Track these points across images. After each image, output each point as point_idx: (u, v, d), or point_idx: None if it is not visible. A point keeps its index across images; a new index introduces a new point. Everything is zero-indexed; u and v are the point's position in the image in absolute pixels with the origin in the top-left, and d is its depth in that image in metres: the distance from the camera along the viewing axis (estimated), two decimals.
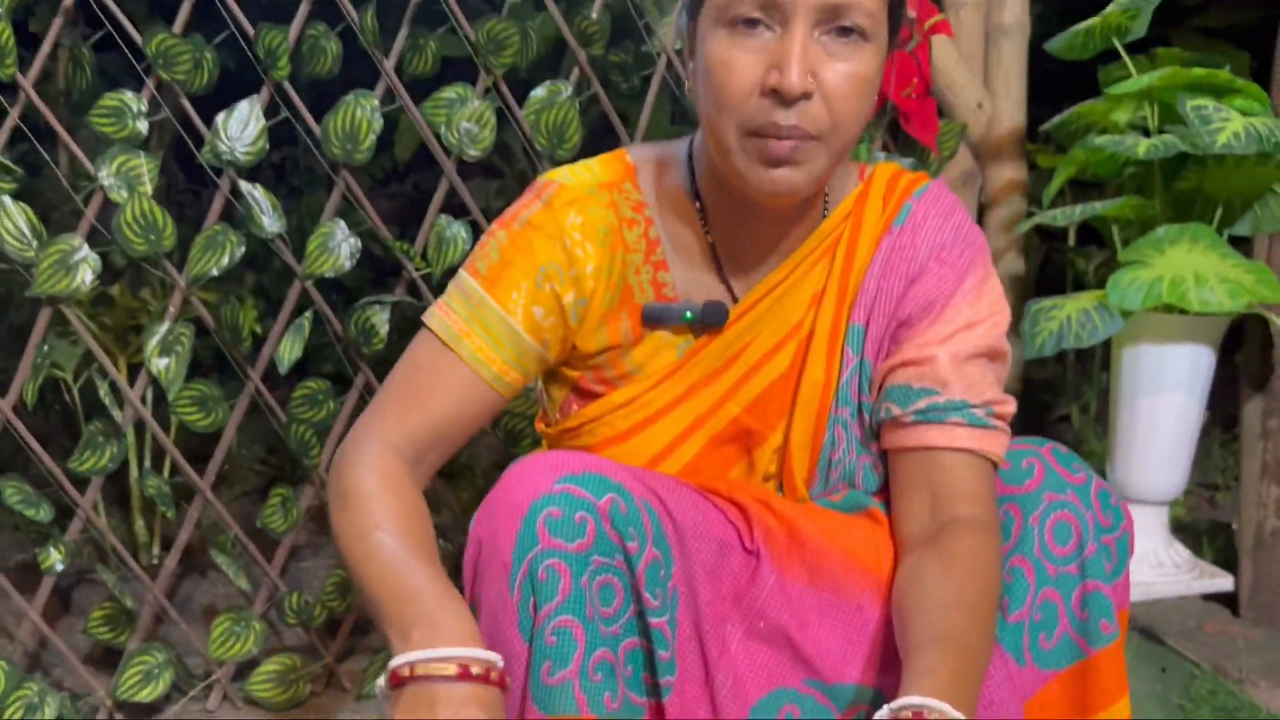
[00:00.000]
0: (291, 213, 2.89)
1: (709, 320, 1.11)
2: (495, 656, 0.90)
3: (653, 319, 1.11)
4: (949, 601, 0.98)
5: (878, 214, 1.12)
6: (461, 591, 0.97)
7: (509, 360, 1.06)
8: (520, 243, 1.07)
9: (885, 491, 1.14)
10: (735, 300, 1.12)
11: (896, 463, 1.11)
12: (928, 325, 1.09)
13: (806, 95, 0.96)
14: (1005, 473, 1.09)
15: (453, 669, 0.87)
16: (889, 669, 1.05)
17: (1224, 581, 1.80)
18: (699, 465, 1.14)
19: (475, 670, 0.88)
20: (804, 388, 1.13)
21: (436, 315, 1.08)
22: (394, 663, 0.89)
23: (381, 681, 0.90)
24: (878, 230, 1.12)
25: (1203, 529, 2.09)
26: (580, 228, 1.07)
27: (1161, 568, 1.78)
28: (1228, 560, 1.99)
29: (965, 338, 1.09)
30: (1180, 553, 1.81)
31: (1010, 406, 1.10)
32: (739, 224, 1.09)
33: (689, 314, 1.10)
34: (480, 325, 1.06)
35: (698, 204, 1.10)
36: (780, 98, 0.95)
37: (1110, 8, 1.74)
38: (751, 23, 0.96)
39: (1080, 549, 1.05)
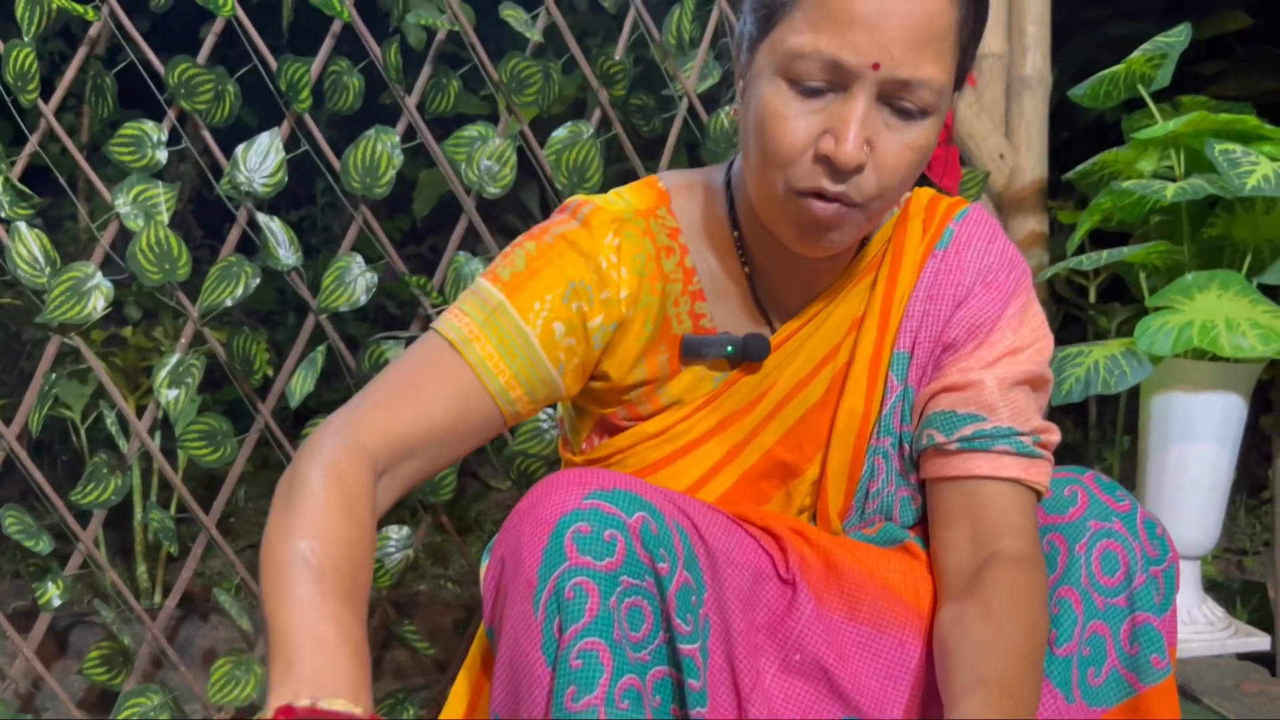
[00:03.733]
0: (312, 266, 2.88)
1: (751, 353, 1.06)
2: None
3: (692, 352, 1.06)
4: (993, 644, 0.93)
5: (918, 238, 1.09)
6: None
7: (518, 375, 0.98)
8: (551, 254, 1.01)
9: (921, 525, 1.09)
10: (772, 330, 1.08)
11: (936, 493, 1.06)
12: (973, 349, 1.06)
13: (860, 168, 0.92)
14: (1047, 501, 1.05)
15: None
16: (931, 708, 1.00)
17: (1260, 641, 1.72)
18: (732, 499, 1.10)
19: None
20: (841, 417, 1.09)
21: (445, 319, 0.99)
22: (286, 699, 0.75)
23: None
24: (920, 254, 1.08)
25: (1236, 589, 2.03)
26: (617, 250, 1.02)
27: (1195, 625, 1.71)
28: (1262, 621, 1.92)
29: (1011, 363, 1.05)
30: (1214, 610, 1.75)
31: (1055, 435, 1.06)
32: (778, 258, 1.05)
33: (731, 347, 1.05)
34: (494, 332, 0.98)
35: (735, 233, 1.06)
36: (832, 166, 0.91)
37: (1134, 55, 1.73)
38: (814, 89, 0.91)
39: (1129, 580, 1.00)
